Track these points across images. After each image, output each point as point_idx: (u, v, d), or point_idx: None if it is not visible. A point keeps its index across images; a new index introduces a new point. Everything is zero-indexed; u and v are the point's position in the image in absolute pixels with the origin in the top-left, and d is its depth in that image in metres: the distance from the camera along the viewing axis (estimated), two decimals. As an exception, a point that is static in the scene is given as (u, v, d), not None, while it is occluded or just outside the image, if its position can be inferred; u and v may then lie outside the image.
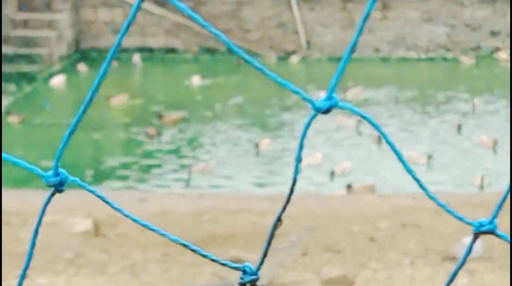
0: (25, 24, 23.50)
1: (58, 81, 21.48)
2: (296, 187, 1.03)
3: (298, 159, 0.98)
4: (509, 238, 1.10)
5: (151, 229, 1.13)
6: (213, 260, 1.10)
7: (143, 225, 1.13)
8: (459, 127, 18.43)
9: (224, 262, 1.14)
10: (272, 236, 1.08)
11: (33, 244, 1.16)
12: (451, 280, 1.19)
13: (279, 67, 25.21)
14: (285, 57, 25.50)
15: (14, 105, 20.01)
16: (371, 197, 12.23)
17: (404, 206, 12.10)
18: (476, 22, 25.74)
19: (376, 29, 25.46)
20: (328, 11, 25.92)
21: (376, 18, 25.82)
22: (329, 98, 0.99)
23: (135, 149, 17.60)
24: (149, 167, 16.47)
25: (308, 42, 25.39)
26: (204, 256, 1.14)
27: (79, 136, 18.17)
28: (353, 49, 0.97)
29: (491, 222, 0.98)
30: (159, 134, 17.98)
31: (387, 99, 21.43)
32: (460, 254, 10.40)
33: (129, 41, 24.83)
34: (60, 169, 1.05)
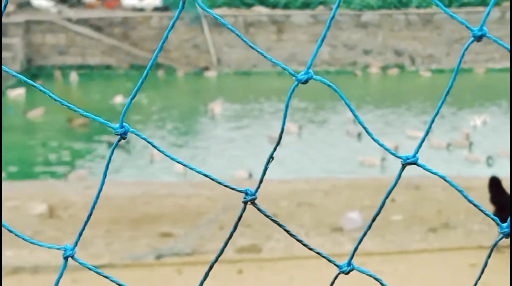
0: (-16, 47, 22.76)
1: (17, 93, 21.26)
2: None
3: (283, 125, 1.06)
4: (434, 171, 1.12)
5: (191, 168, 1.13)
6: (221, 184, 1.12)
7: (185, 164, 1.14)
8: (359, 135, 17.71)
9: (232, 186, 1.12)
10: (266, 170, 1.11)
11: (99, 191, 1.14)
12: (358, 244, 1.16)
13: (195, 80, 25.05)
14: (199, 72, 25.12)
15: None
16: (274, 182, 12.12)
17: (300, 188, 12.08)
18: (352, 43, 25.69)
19: (273, 48, 24.97)
20: (234, 35, 25.55)
21: (273, 40, 25.66)
22: (307, 72, 1.08)
23: (50, 148, 17.39)
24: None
25: (218, 60, 25.15)
26: (219, 182, 1.13)
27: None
28: (321, 42, 1.05)
29: (414, 156, 1.05)
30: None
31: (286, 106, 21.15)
32: (346, 225, 10.32)
33: (71, 60, 24.70)
34: (124, 123, 1.10)
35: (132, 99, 1.11)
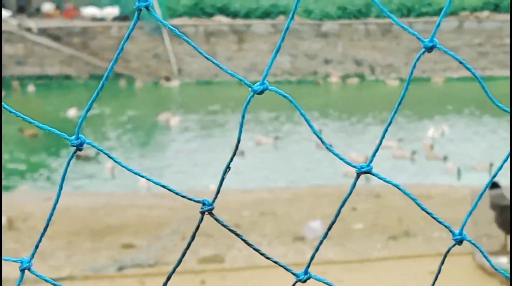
0: None
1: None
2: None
3: (240, 135, 1.06)
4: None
5: (149, 180, 1.12)
6: (179, 194, 1.10)
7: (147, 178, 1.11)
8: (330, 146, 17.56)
9: (189, 196, 1.09)
10: (223, 180, 1.11)
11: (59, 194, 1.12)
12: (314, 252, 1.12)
13: (156, 90, 24.98)
14: (159, 81, 24.99)
15: None
16: (236, 192, 12.21)
17: (263, 198, 12.11)
18: (312, 53, 25.77)
19: (234, 58, 25.02)
20: (194, 44, 25.72)
21: (234, 50, 25.66)
22: (262, 83, 1.07)
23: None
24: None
25: (179, 69, 25.16)
26: (176, 192, 1.11)
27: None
28: (276, 54, 1.04)
29: (368, 165, 1.06)
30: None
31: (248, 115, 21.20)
32: (308, 234, 10.27)
33: (29, 70, 24.39)
34: (80, 134, 1.07)
35: (87, 110, 1.11)
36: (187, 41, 1.09)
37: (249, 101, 1.05)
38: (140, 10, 1.04)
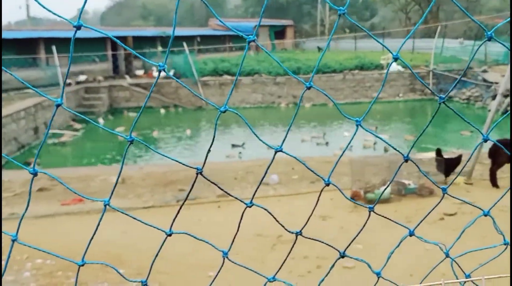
0: None
1: None
2: None
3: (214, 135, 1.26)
4: None
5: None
6: (182, 164, 2.54)
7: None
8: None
9: (187, 164, 1.26)
10: (207, 154, 1.17)
11: None
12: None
13: (192, 112, 31.62)
14: (195, 109, 31.17)
15: None
16: (237, 162, 14.58)
17: (248, 165, 14.04)
18: (272, 92, 34.29)
19: (232, 96, 33.07)
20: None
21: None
22: (225, 106, 1.23)
23: None
24: None
25: (205, 103, 28.58)
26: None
27: None
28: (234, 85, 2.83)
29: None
30: None
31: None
32: (270, 182, 13.41)
33: (131, 104, 32.38)
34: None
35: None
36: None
37: (218, 117, 1.29)
38: (163, 70, 1.25)
